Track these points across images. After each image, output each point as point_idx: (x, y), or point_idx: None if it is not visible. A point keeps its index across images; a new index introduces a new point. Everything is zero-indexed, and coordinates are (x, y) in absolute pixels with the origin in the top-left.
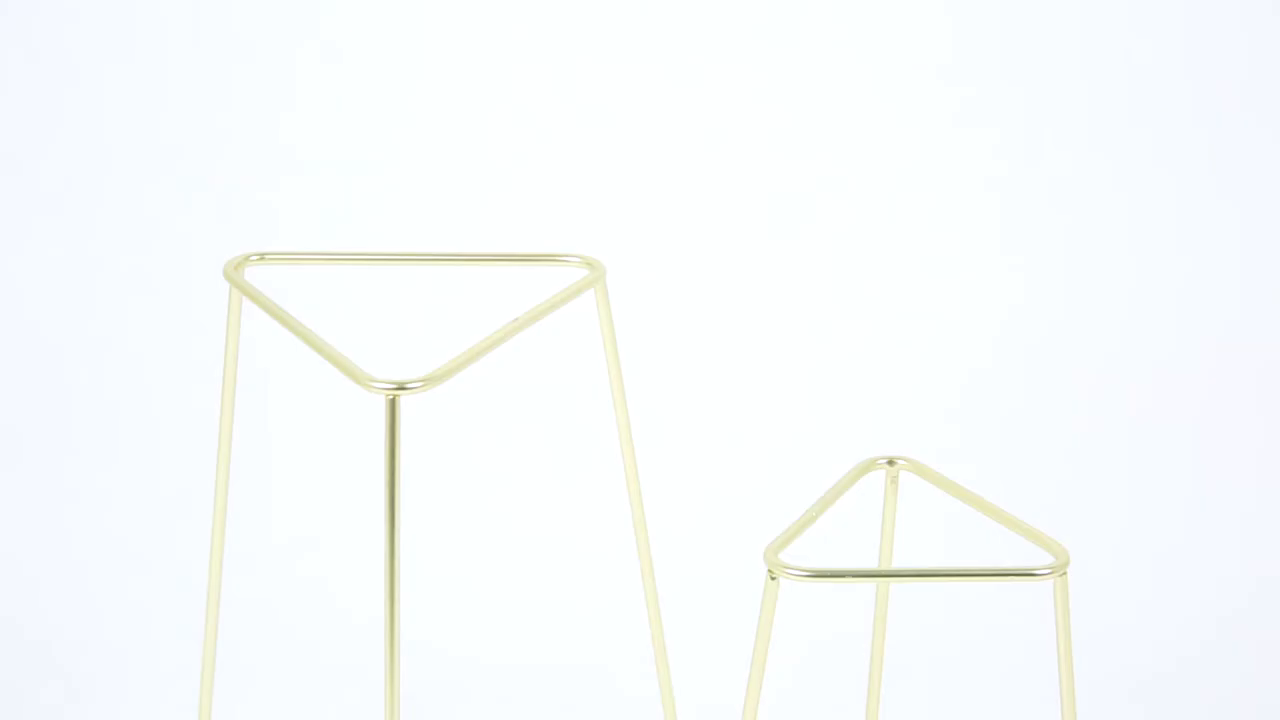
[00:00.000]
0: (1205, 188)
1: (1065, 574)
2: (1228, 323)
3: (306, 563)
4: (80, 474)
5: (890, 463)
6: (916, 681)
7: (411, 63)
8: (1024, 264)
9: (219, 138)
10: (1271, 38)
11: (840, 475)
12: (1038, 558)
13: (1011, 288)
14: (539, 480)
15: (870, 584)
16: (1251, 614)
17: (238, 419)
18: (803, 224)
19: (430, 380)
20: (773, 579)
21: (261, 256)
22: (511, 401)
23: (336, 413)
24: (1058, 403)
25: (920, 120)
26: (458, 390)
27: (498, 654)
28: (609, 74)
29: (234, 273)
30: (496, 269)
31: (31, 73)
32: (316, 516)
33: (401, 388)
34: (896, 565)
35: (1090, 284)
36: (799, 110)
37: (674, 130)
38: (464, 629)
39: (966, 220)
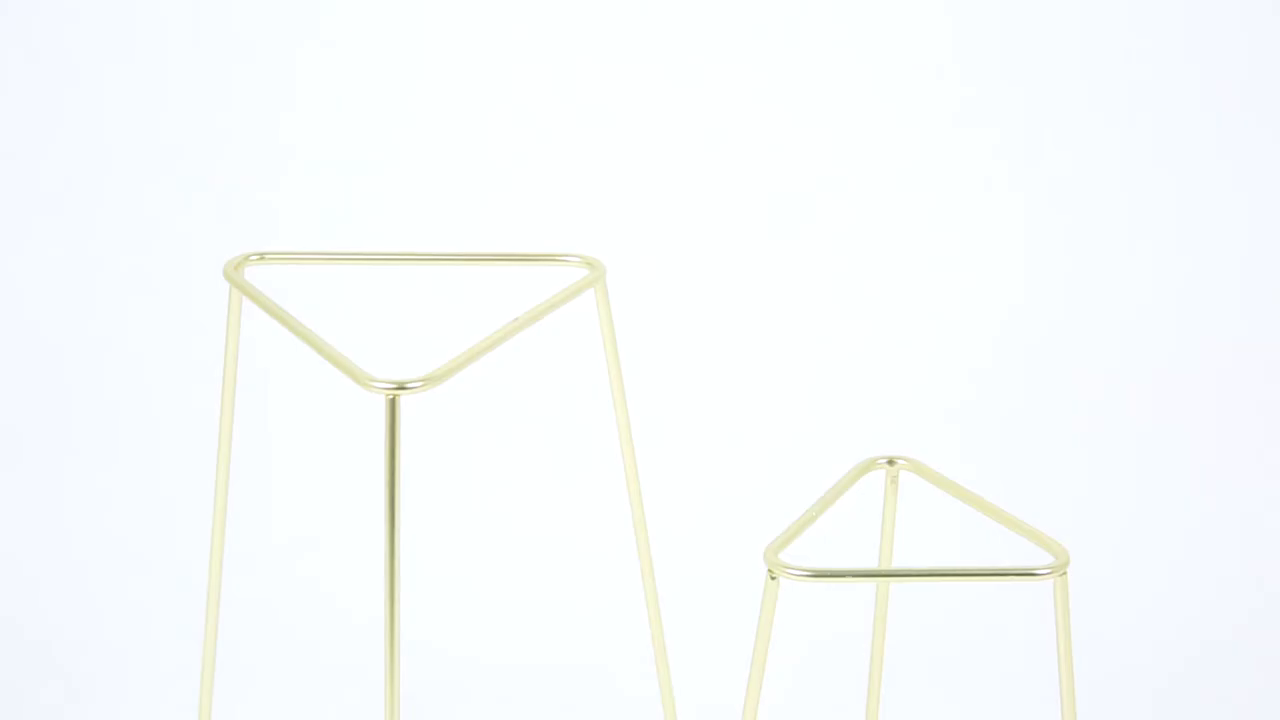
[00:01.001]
0: (1206, 187)
1: (1065, 574)
2: (1228, 322)
3: (306, 563)
4: (80, 474)
5: (890, 463)
6: (916, 681)
7: (411, 63)
8: (1024, 264)
9: (219, 138)
10: (1271, 38)
11: (840, 475)
12: (1038, 558)
13: (1011, 288)
14: (539, 480)
15: (870, 584)
16: (1252, 613)
17: (238, 419)
18: (803, 224)
19: (430, 380)
20: (773, 579)
21: (261, 256)
22: (511, 401)
23: (336, 413)
24: (1058, 403)
25: (920, 120)
26: (458, 390)
27: (498, 654)
28: (609, 74)
29: (234, 273)
30: (496, 269)
31: (31, 73)
32: (316, 516)
33: (401, 388)
34: (896, 565)
35: (1090, 284)
36: (799, 110)
37: (674, 130)
38: (464, 629)
39: (966, 220)
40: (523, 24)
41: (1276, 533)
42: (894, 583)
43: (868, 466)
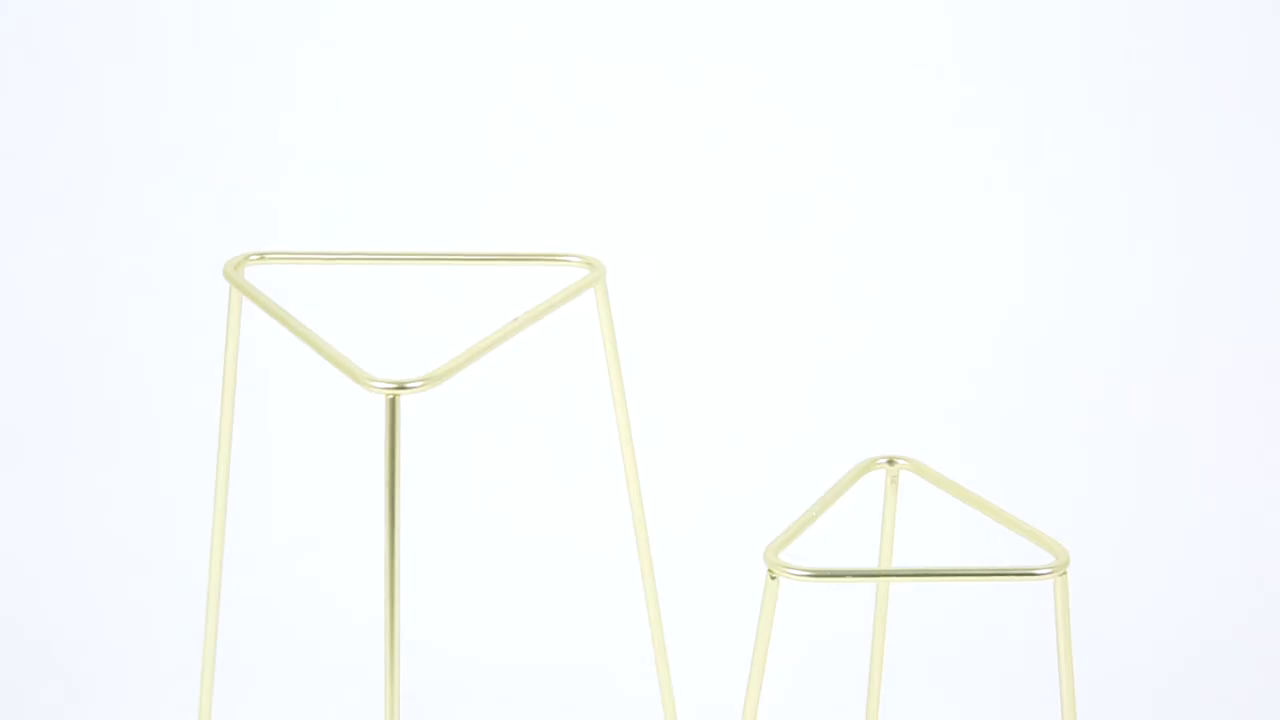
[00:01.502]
0: (1206, 187)
1: (1065, 574)
2: (1228, 322)
3: (306, 563)
4: (80, 474)
5: (890, 463)
6: (916, 681)
7: (411, 63)
8: (1024, 264)
9: (219, 138)
10: (1271, 38)
11: (840, 475)
12: (1038, 558)
13: (1011, 288)
14: (539, 480)
15: (870, 584)
16: (1252, 613)
17: (238, 419)
18: (803, 224)
19: (430, 380)
20: (773, 579)
21: (261, 256)
22: (511, 401)
23: (336, 413)
24: (1058, 403)
25: (920, 120)
26: (458, 390)
27: (498, 654)
28: (609, 74)
29: (234, 273)
30: (496, 269)
31: (31, 73)
32: (316, 516)
33: (401, 388)
34: (896, 565)
35: (1090, 284)
36: (799, 110)
37: (674, 130)
38: (464, 629)
39: (966, 220)
40: (523, 24)
41: (1276, 533)
42: (894, 583)
43: (868, 466)
